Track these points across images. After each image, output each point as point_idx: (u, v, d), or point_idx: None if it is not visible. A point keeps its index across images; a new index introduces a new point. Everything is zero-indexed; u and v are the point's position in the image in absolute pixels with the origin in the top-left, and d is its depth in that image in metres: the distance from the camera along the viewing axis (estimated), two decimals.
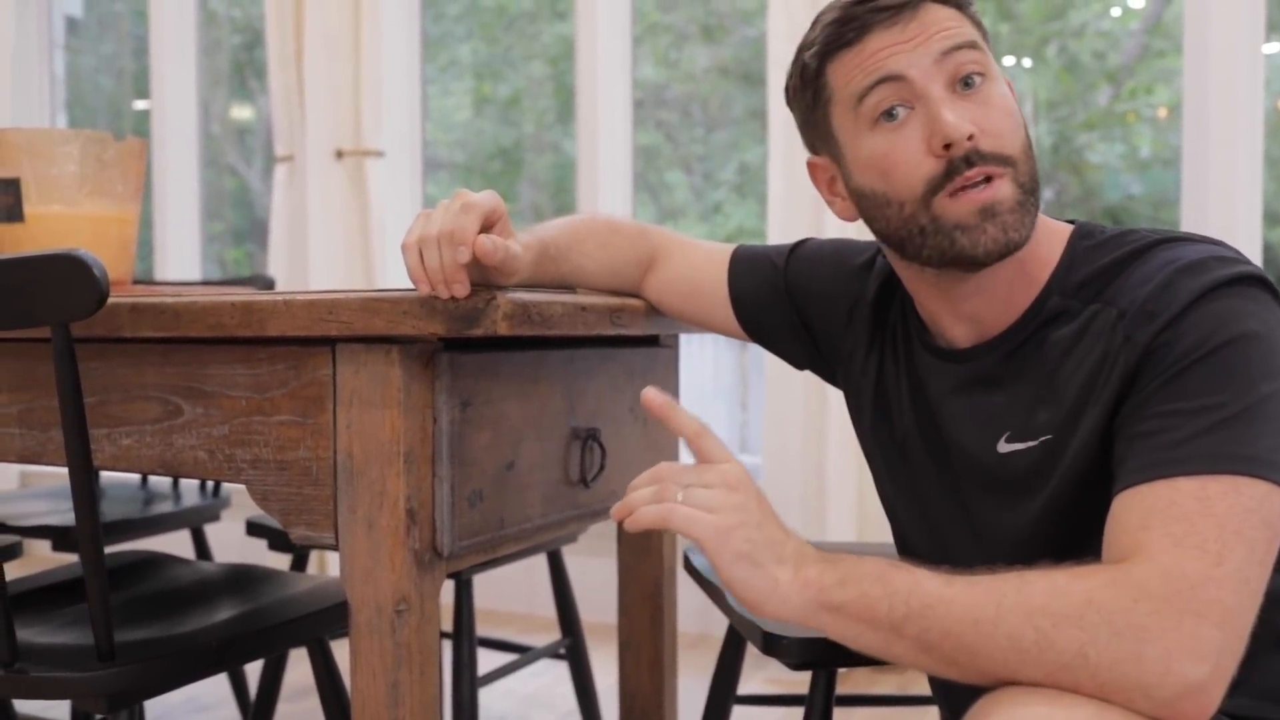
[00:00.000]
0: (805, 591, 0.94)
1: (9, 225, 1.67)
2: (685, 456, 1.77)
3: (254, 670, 2.69)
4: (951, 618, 0.89)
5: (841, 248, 1.33)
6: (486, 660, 2.44)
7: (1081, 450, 1.01)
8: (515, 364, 1.30)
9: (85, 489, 1.19)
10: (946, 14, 1.05)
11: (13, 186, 1.68)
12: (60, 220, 1.71)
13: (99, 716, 1.86)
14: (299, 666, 2.84)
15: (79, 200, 1.72)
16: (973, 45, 1.05)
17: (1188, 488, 0.90)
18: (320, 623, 1.44)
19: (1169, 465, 0.91)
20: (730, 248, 1.40)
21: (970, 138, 1.01)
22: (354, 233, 3.59)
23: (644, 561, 1.73)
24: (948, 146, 1.01)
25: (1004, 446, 1.07)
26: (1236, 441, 0.91)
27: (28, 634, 1.36)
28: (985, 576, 0.90)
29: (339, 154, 3.57)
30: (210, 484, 2.43)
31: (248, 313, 1.16)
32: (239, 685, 2.40)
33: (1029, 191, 1.04)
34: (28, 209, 1.68)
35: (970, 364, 1.11)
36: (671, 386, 1.68)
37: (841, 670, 1.57)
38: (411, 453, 1.16)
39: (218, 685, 2.69)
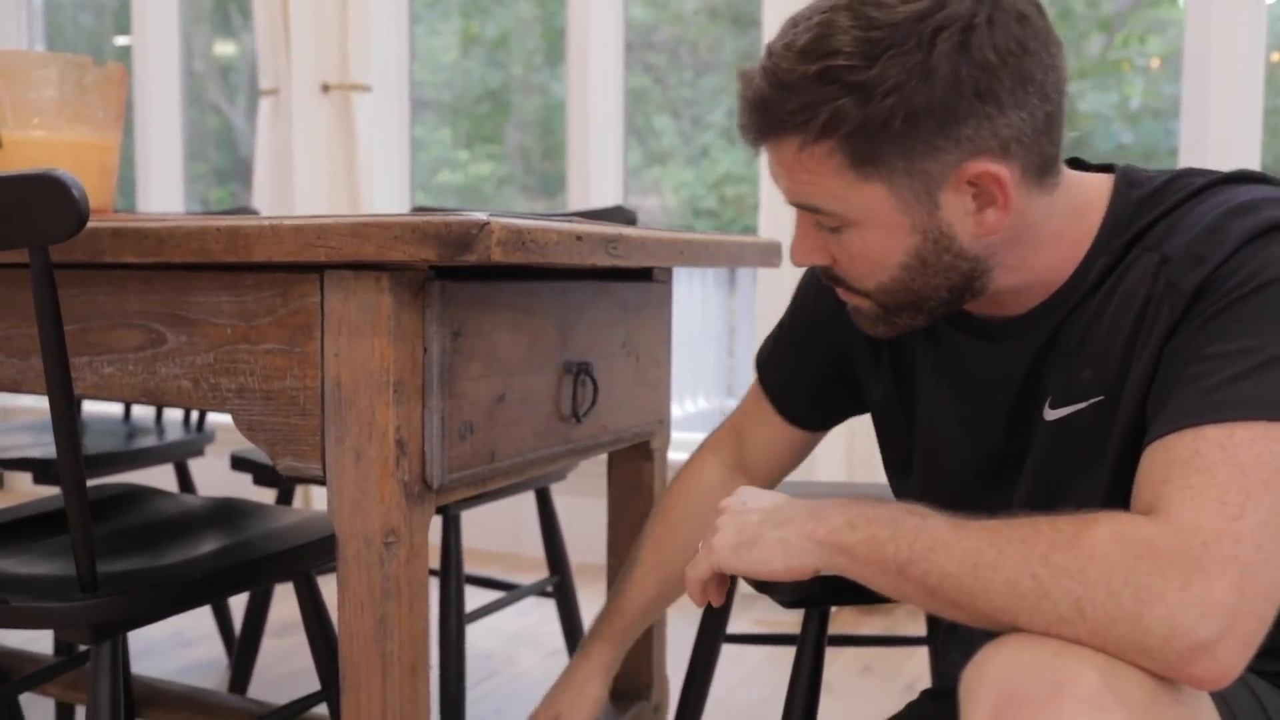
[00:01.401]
0: (815, 537, 0.94)
1: None
2: (677, 392, 1.75)
3: (238, 606, 2.68)
4: (952, 561, 0.87)
5: None
6: (473, 598, 2.44)
7: (1134, 408, 0.96)
8: (507, 295, 1.27)
9: (65, 415, 1.16)
10: (790, 156, 0.98)
11: None
12: (39, 146, 1.67)
13: (82, 649, 1.85)
14: (283, 603, 2.83)
15: (58, 125, 1.68)
16: (813, 209, 1.00)
17: (1213, 436, 0.85)
18: (307, 556, 1.42)
19: (1197, 413, 0.86)
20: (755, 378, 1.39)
21: (824, 265, 1.04)
22: (340, 169, 3.54)
23: (634, 499, 1.71)
24: None
25: (1051, 413, 1.03)
26: (1270, 386, 0.86)
27: (8, 564, 1.34)
28: (996, 522, 0.88)
29: (325, 88, 3.51)
30: (194, 418, 2.40)
31: (233, 238, 1.13)
32: (223, 620, 2.39)
33: (892, 310, 1.03)
34: (4, 134, 1.64)
35: (1011, 341, 1.06)
36: (664, 323, 1.66)
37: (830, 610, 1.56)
38: (401, 383, 1.13)
39: (202, 620, 2.68)
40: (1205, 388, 0.87)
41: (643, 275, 1.60)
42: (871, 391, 1.24)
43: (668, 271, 1.67)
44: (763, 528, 0.97)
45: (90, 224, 1.15)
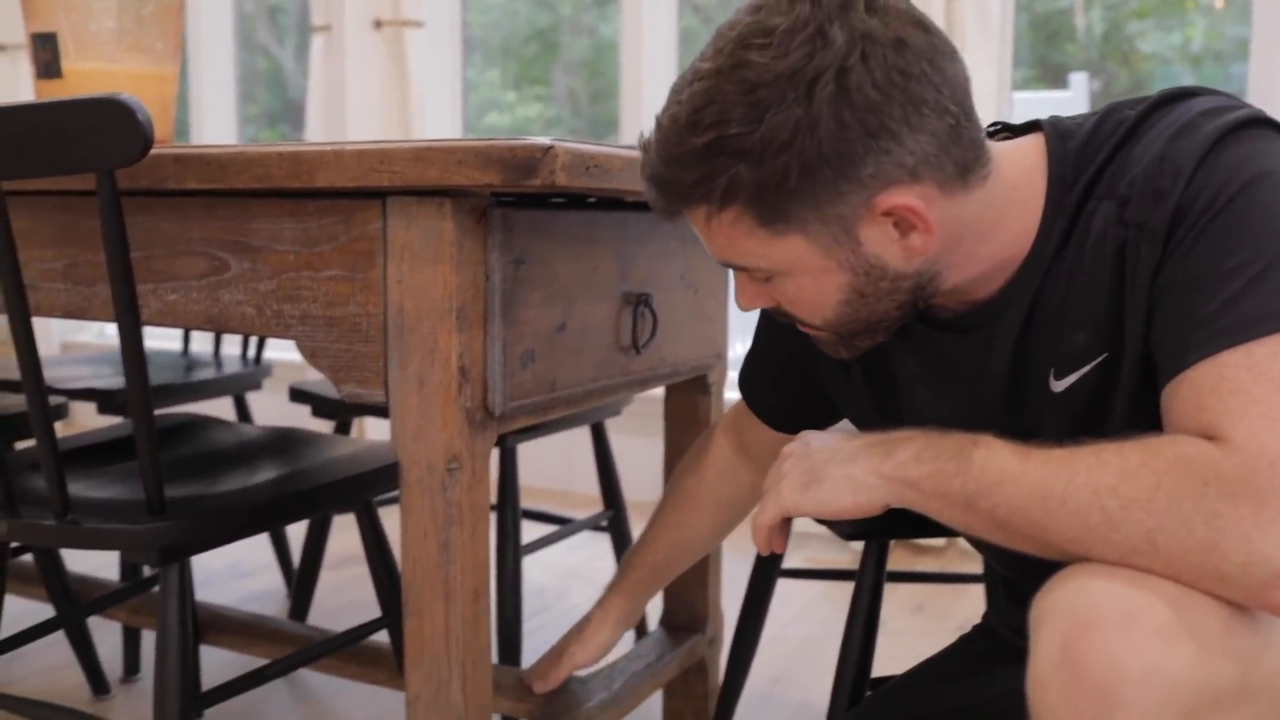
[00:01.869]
0: (882, 472, 0.93)
1: (48, 81, 1.64)
2: (734, 325, 1.74)
3: (295, 538, 2.72)
4: (1020, 494, 0.86)
5: None
6: (526, 532, 2.45)
7: (1139, 357, 0.94)
8: (568, 224, 1.26)
9: (133, 339, 1.17)
10: (701, 224, 0.96)
11: (50, 42, 1.65)
12: (99, 77, 1.67)
13: (146, 575, 1.88)
14: (339, 535, 2.87)
15: (117, 56, 1.68)
16: (739, 266, 0.98)
17: (1232, 359, 0.83)
18: (368, 484, 1.43)
19: (1209, 342, 0.84)
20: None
21: (770, 306, 1.03)
22: (393, 108, 3.53)
23: (690, 434, 1.71)
24: None
25: (1057, 384, 1.00)
26: (1273, 296, 0.83)
27: (78, 489, 1.36)
28: (1063, 452, 0.86)
29: (377, 24, 3.50)
30: (252, 352, 2.42)
31: (296, 163, 1.13)
32: (282, 551, 2.43)
33: (847, 337, 1.03)
34: (65, 65, 1.64)
35: (988, 326, 1.02)
36: None
37: None
38: (464, 310, 1.13)
39: (260, 552, 2.72)
40: (1208, 315, 0.85)
41: None
42: (847, 409, 1.22)
43: None
44: (829, 466, 0.96)
45: (153, 151, 1.15)
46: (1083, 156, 0.97)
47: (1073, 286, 0.96)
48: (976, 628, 1.31)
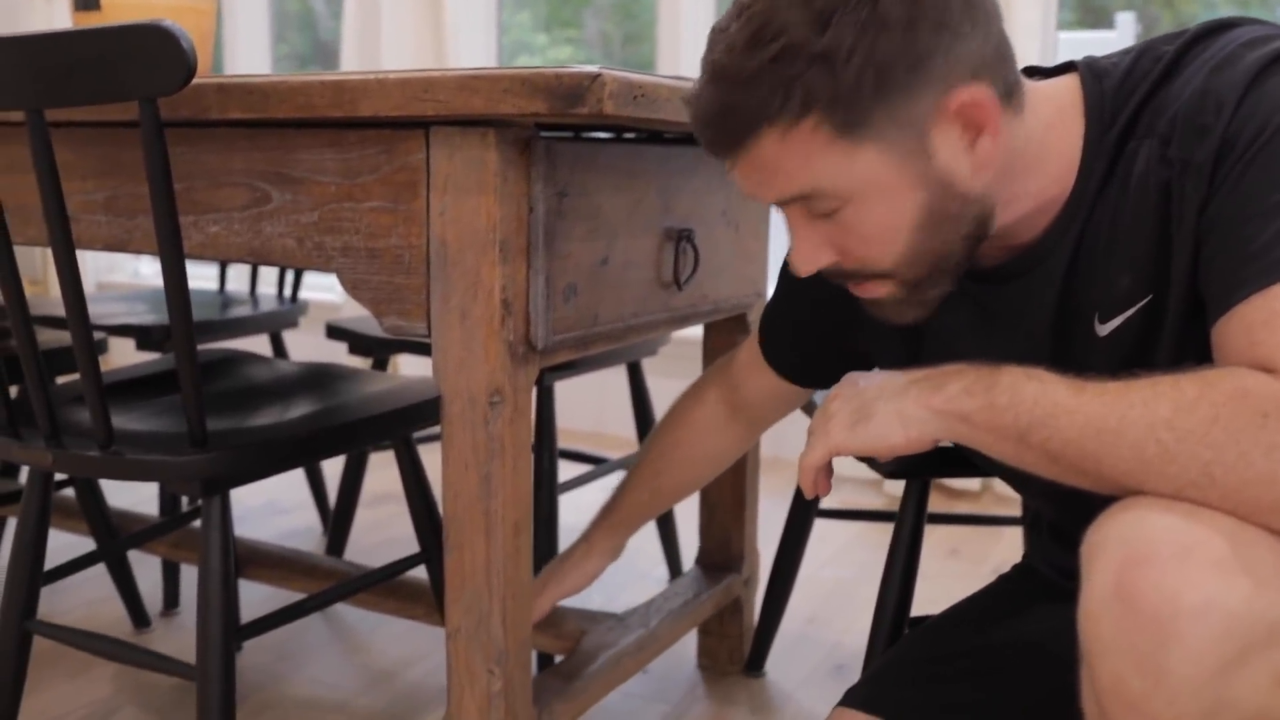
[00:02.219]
0: (932, 406, 0.91)
1: (86, 13, 1.63)
2: (774, 267, 1.72)
3: (331, 476, 2.74)
4: (1074, 427, 0.84)
5: None
6: (560, 472, 2.45)
7: (1185, 296, 0.92)
8: (611, 156, 1.25)
9: (176, 270, 1.16)
10: (772, 151, 0.92)
11: None
12: (136, 9, 1.66)
13: (186, 509, 1.90)
14: (374, 473, 2.89)
15: None
16: (802, 197, 0.94)
17: None
18: (407, 419, 1.43)
19: (1259, 277, 0.82)
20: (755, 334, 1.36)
21: (828, 262, 0.97)
22: (426, 49, 3.50)
23: None
24: None
25: (1101, 328, 0.98)
26: None
27: (121, 421, 1.37)
28: (1118, 385, 0.84)
29: None
30: (288, 290, 2.42)
31: (338, 92, 1.12)
32: (318, 489, 2.44)
33: (918, 285, 0.97)
34: None
35: (1032, 273, 1.00)
36: None
37: None
38: (507, 242, 1.12)
39: (297, 489, 2.74)
40: (1259, 249, 0.83)
41: None
42: (881, 359, 1.20)
43: None
44: (878, 403, 0.94)
45: (195, 81, 1.14)
46: (1120, 95, 0.95)
47: (1116, 228, 0.95)
48: (1016, 567, 1.30)
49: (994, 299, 1.04)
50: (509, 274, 1.13)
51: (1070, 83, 0.98)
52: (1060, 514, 1.14)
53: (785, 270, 1.26)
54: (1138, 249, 0.93)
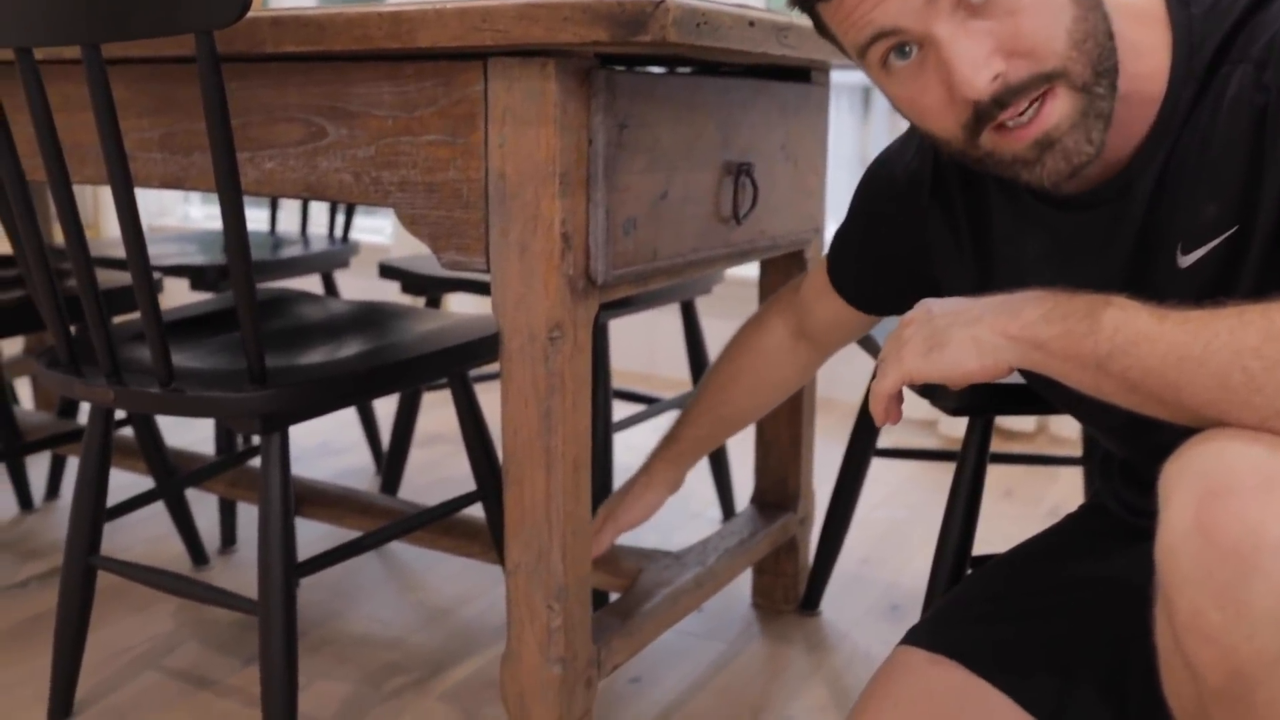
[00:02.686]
0: (1008, 333, 0.89)
1: None
2: (832, 204, 1.69)
3: (384, 417, 2.75)
4: (1155, 355, 0.82)
5: (892, 148, 1.22)
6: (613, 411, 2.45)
7: (1272, 227, 0.88)
8: (671, 88, 1.22)
9: (234, 206, 1.16)
10: None
11: None
12: None
13: (242, 448, 1.91)
14: (426, 414, 2.90)
15: None
16: None
17: None
18: (464, 356, 1.43)
19: None
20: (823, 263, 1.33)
21: (996, 77, 0.86)
22: None
23: None
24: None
25: (1183, 259, 0.94)
26: None
27: (179, 359, 1.37)
28: (1202, 313, 0.82)
29: None
30: (339, 230, 2.42)
31: (396, 23, 1.10)
32: (371, 429, 2.45)
33: (1090, 89, 0.87)
34: None
35: (1116, 198, 0.96)
36: (821, 128, 1.60)
37: None
38: (566, 174, 1.11)
39: (350, 429, 2.75)
40: None
41: (801, 76, 1.53)
42: (952, 287, 1.15)
43: (825, 75, 1.60)
44: (952, 329, 0.92)
45: (250, 14, 1.13)
46: (1211, 20, 0.91)
47: (1204, 155, 0.91)
48: (1084, 506, 1.28)
49: (1071, 227, 1.01)
50: (569, 207, 1.12)
51: (1153, 7, 0.94)
52: (1133, 452, 1.12)
53: (858, 194, 1.25)
54: (1226, 177, 0.90)
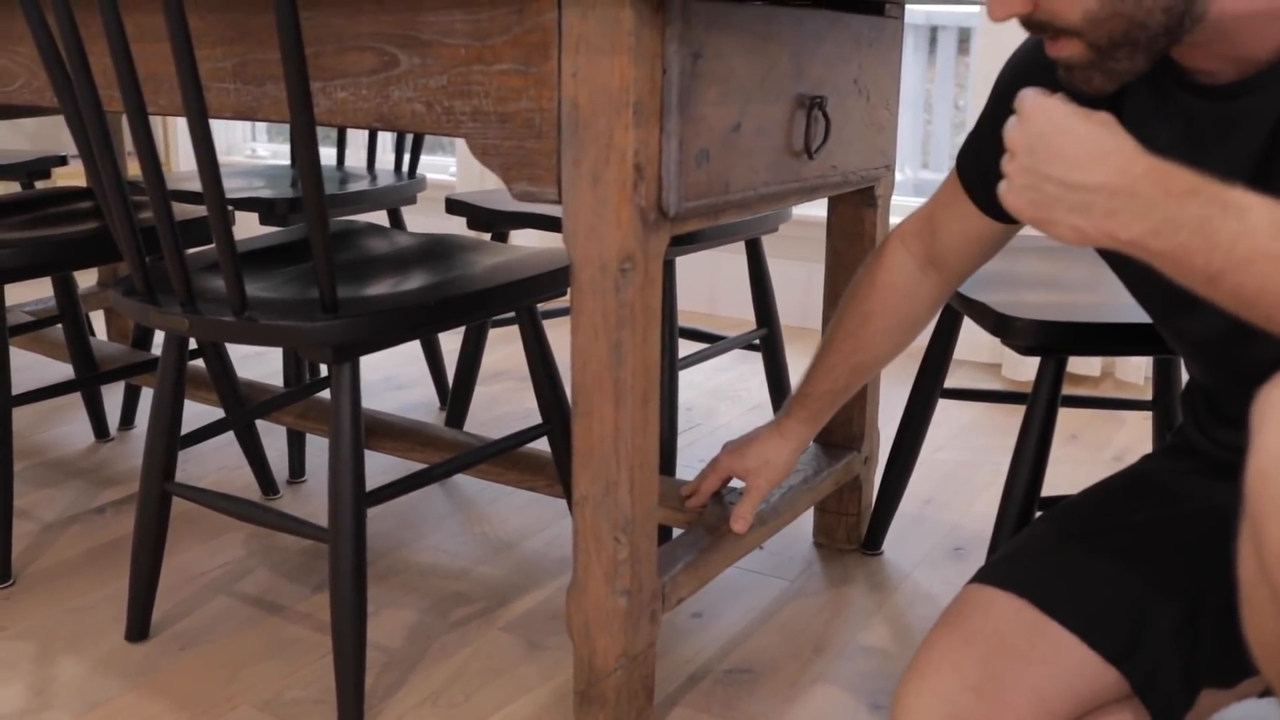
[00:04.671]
0: (1116, 239, 0.85)
1: None
2: (904, 139, 1.66)
3: (449, 352, 2.77)
4: (1273, 276, 0.79)
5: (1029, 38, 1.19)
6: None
7: None
8: (746, 18, 1.21)
9: (306, 135, 1.16)
10: None
11: None
12: None
13: (308, 381, 1.93)
14: (490, 350, 2.91)
15: None
16: None
17: None
18: (533, 289, 1.43)
19: None
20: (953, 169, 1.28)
21: (1016, 15, 0.93)
22: None
23: (854, 247, 1.66)
24: None
25: None
26: None
27: (252, 289, 1.38)
28: None
29: None
30: (406, 166, 2.42)
31: None
32: (436, 365, 2.47)
33: (1105, 52, 0.91)
34: None
35: (1247, 99, 0.93)
36: (895, 62, 1.57)
37: None
38: (640, 104, 1.10)
39: (415, 365, 2.78)
40: None
41: (875, 9, 1.51)
42: None
43: (900, 8, 1.57)
44: (1056, 208, 0.88)
45: None
46: None
47: None
48: (1163, 449, 1.26)
49: (1207, 117, 0.98)
50: (642, 137, 1.11)
51: None
52: (1218, 374, 1.09)
53: (993, 95, 1.22)
54: None
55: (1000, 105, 1.20)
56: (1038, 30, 0.95)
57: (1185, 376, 1.38)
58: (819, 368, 1.42)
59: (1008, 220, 1.26)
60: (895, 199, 1.71)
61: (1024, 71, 1.17)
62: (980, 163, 1.24)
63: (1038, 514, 1.38)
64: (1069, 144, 0.87)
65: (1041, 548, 1.14)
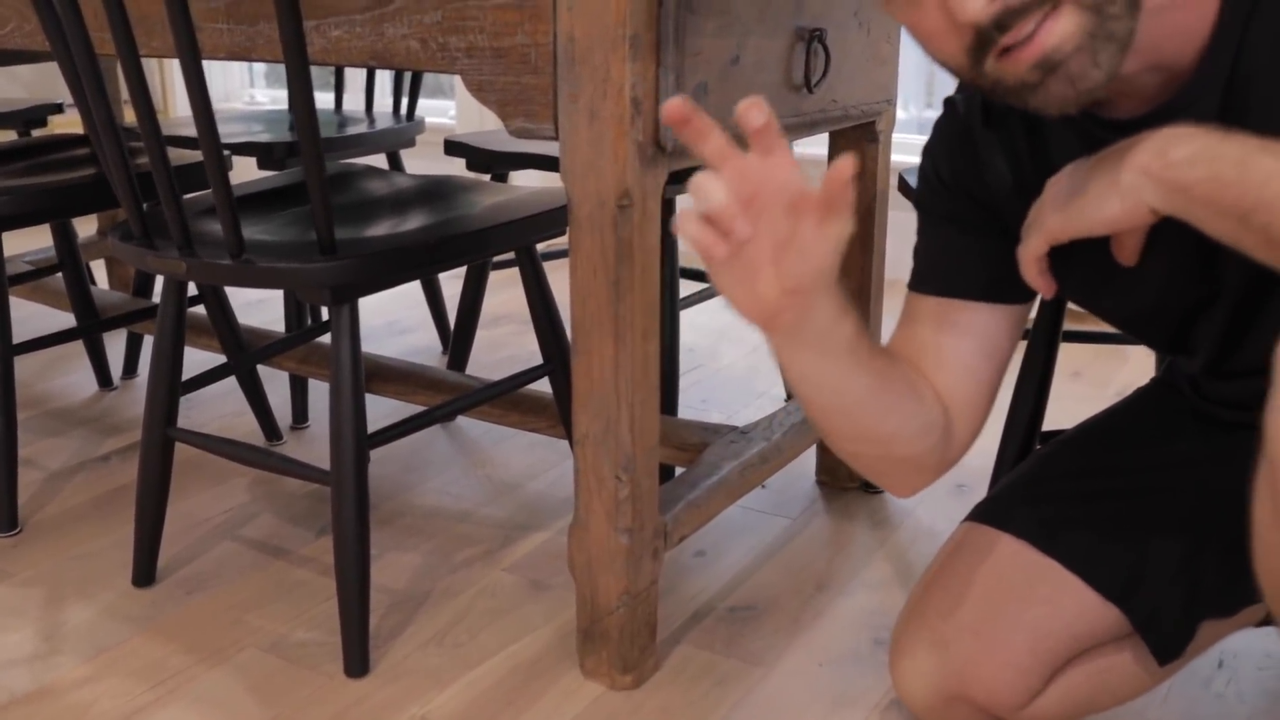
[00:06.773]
0: (1150, 171, 0.82)
1: None
2: (905, 74, 1.64)
3: (450, 296, 2.76)
4: None
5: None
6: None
7: None
8: None
9: (300, 74, 1.15)
10: None
11: None
12: None
13: (310, 326, 1.93)
14: (491, 294, 2.90)
15: None
16: None
17: None
18: (533, 228, 1.42)
19: None
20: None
21: None
22: None
23: (856, 184, 1.65)
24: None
25: None
26: None
27: (249, 232, 1.37)
28: None
29: None
30: (404, 108, 2.41)
31: None
32: (437, 308, 2.47)
33: (1101, 8, 0.79)
34: None
35: (1180, 114, 0.86)
36: None
37: None
38: (637, 37, 1.08)
39: (417, 309, 2.77)
40: None
41: None
42: (1018, 222, 1.00)
43: None
44: (1091, 176, 0.86)
45: None
46: None
47: (1275, 64, 0.84)
48: (1155, 382, 1.26)
49: None
50: (639, 71, 1.09)
51: None
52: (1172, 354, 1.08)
53: (925, 192, 1.10)
54: None
55: (930, 195, 1.09)
56: (1018, 15, 0.80)
57: None
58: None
59: (1008, 296, 1.07)
60: (898, 136, 1.69)
61: (929, 175, 1.08)
62: (944, 263, 1.08)
63: (1037, 447, 1.38)
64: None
65: (1038, 486, 1.14)
